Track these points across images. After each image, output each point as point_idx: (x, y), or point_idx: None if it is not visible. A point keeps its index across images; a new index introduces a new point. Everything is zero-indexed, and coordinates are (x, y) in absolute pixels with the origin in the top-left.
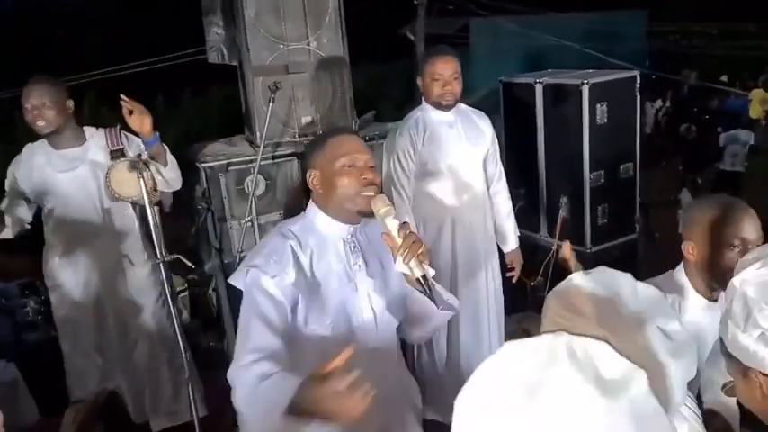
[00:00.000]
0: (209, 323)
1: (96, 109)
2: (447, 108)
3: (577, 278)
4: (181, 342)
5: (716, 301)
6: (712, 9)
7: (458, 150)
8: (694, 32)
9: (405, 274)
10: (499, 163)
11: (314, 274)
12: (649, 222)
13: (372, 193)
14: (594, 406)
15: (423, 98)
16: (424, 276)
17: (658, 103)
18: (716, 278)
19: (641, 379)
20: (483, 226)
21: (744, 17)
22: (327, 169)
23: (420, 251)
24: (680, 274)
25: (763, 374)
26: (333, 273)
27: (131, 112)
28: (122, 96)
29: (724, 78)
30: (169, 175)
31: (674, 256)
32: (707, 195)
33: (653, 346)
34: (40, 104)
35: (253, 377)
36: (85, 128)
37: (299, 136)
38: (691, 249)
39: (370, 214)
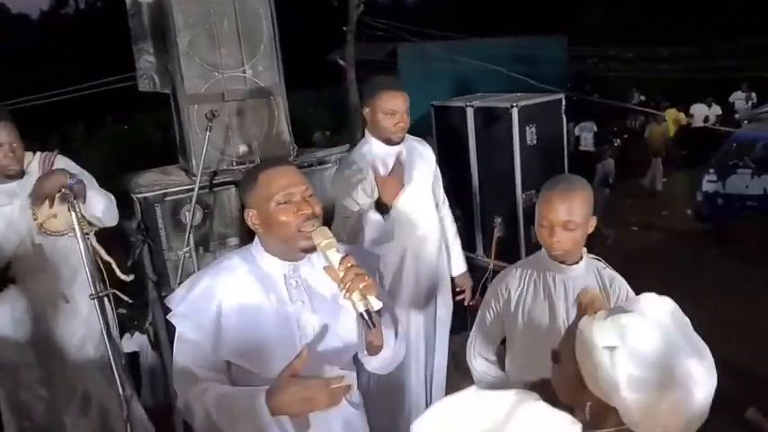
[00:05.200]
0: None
1: None
2: (397, 143)
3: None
4: (118, 379)
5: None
6: (627, 35)
7: (408, 180)
8: (611, 57)
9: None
10: (442, 188)
11: (242, 315)
12: None
13: (312, 229)
14: None
15: (366, 130)
16: (368, 311)
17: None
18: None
19: None
20: (437, 251)
21: (656, 42)
22: (263, 208)
23: (364, 284)
24: None
25: None
26: (268, 312)
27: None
28: None
29: (643, 98)
30: (92, 213)
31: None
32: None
33: None
34: (9, 142)
35: (213, 397)
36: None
37: (237, 164)
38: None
39: (314, 249)
